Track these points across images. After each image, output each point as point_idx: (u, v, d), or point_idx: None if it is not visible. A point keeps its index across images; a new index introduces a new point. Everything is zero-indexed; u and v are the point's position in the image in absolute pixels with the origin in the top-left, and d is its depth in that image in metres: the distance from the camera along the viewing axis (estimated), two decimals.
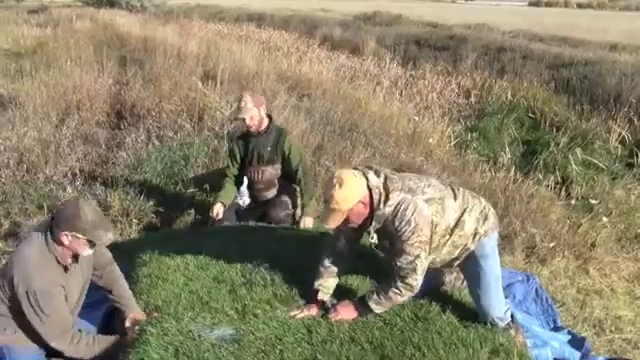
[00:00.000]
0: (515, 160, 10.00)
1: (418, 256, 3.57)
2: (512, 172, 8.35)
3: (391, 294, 3.71)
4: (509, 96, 13.95)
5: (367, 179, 3.62)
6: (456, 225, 3.77)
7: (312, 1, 51.11)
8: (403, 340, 3.65)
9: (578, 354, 4.50)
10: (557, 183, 8.48)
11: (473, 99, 14.23)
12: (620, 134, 11.02)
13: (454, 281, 4.49)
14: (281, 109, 9.59)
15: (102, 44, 17.26)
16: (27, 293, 3.36)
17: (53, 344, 3.51)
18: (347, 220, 3.65)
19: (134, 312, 3.91)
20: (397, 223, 3.56)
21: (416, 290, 3.71)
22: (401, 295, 3.70)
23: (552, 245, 6.37)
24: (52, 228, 3.52)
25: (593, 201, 7.66)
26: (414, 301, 4.10)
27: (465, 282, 4.22)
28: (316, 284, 4.02)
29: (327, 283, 4.03)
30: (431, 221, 3.61)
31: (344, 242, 4.02)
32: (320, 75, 14.24)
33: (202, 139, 8.34)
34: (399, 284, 3.66)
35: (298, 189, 5.87)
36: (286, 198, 5.89)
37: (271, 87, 11.69)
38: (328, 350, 3.53)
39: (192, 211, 6.68)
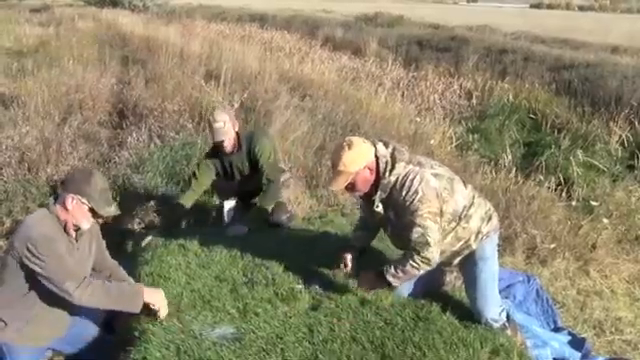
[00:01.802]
0: (516, 161, 9.98)
1: (429, 227, 3.60)
2: (513, 173, 8.35)
3: (409, 268, 3.73)
4: (510, 98, 13.97)
5: (376, 148, 3.73)
6: (464, 215, 3.82)
7: (314, 2, 51.11)
8: (404, 340, 3.65)
9: (578, 354, 4.52)
10: (558, 185, 8.47)
11: (475, 100, 14.24)
12: (621, 136, 11.02)
13: (454, 281, 4.52)
14: (283, 109, 9.61)
15: (104, 43, 17.32)
16: (28, 248, 3.33)
17: (64, 292, 3.38)
18: (353, 186, 3.77)
19: None
20: (404, 193, 3.64)
21: (434, 263, 3.73)
22: (419, 269, 3.73)
23: (553, 246, 6.37)
24: (57, 196, 3.56)
25: (594, 203, 7.65)
26: (415, 301, 4.13)
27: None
28: (350, 236, 4.45)
29: (358, 234, 4.35)
30: (440, 194, 3.67)
31: (367, 215, 4.20)
32: (322, 76, 14.27)
33: (204, 139, 8.34)
34: (416, 258, 3.68)
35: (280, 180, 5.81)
36: (282, 198, 5.90)
37: (273, 87, 11.70)
38: (329, 349, 3.54)
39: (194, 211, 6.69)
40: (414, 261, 3.69)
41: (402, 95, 13.83)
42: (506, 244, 6.32)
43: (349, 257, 4.19)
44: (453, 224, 3.81)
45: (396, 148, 3.77)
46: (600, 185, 8.69)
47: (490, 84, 15.08)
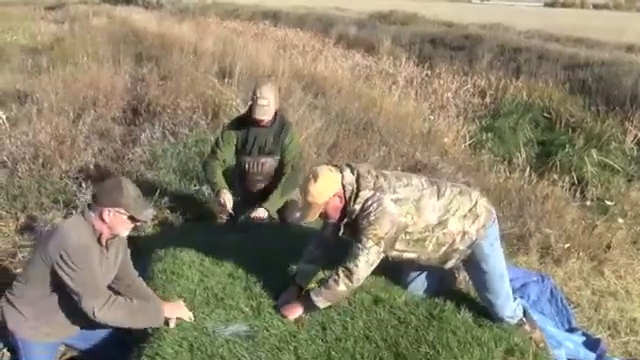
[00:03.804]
0: (530, 161, 9.99)
1: (368, 247, 3.61)
2: (527, 172, 8.34)
3: (330, 281, 3.71)
4: (524, 96, 13.94)
5: (342, 176, 3.72)
6: (439, 224, 3.80)
7: None
8: (418, 338, 3.65)
9: (593, 355, 4.49)
10: (572, 184, 8.46)
11: (488, 99, 14.20)
12: (636, 135, 10.98)
13: (467, 279, 4.51)
14: (296, 107, 9.61)
15: (118, 41, 17.36)
16: (61, 256, 3.33)
17: (86, 308, 3.40)
18: (325, 215, 3.77)
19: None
20: (361, 217, 3.66)
21: (354, 280, 3.67)
22: (337, 281, 3.68)
23: (567, 246, 6.33)
24: (91, 205, 3.54)
25: (609, 202, 7.63)
26: (429, 300, 4.11)
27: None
28: (296, 268, 4.18)
29: (306, 268, 4.14)
30: (397, 221, 3.65)
31: (330, 232, 4.08)
32: (335, 73, 14.26)
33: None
34: (339, 269, 3.69)
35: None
36: (294, 197, 5.87)
37: (286, 85, 11.70)
38: (342, 347, 3.54)
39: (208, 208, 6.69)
40: (336, 272, 3.69)
41: (416, 93, 13.81)
42: (520, 243, 6.31)
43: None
44: (428, 233, 3.80)
45: (360, 174, 3.75)
46: (615, 185, 8.67)
47: (504, 83, 15.06)
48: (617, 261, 6.30)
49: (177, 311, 3.74)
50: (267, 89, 5.31)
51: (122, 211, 3.46)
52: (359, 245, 3.63)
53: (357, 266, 3.63)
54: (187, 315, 3.76)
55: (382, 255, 3.70)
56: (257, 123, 5.39)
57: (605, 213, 7.26)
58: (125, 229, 3.57)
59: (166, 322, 3.70)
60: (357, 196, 3.67)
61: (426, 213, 3.76)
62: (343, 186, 3.70)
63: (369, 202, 3.64)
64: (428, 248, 3.84)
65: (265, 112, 5.28)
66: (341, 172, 3.74)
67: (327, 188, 3.65)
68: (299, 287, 4.10)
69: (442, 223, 3.80)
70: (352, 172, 3.77)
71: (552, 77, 15.38)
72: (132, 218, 3.52)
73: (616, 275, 6.13)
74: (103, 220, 3.47)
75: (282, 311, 3.87)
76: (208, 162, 5.63)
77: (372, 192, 3.67)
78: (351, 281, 3.67)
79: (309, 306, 3.83)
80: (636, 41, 21.16)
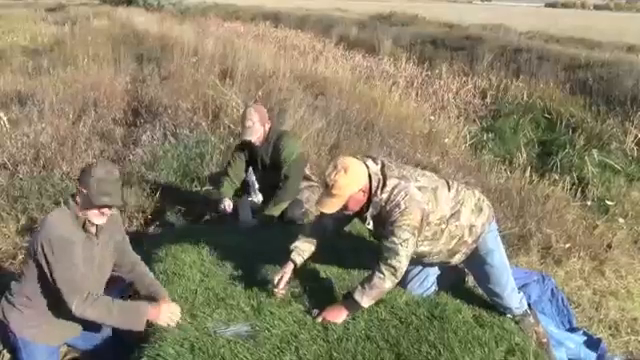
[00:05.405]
0: (531, 161, 9.99)
1: (405, 240, 3.57)
2: (528, 173, 8.33)
3: (375, 280, 3.65)
4: (525, 97, 13.95)
5: (367, 167, 3.70)
6: (452, 215, 3.83)
7: (328, 1, 51.00)
8: (419, 339, 3.65)
9: (594, 355, 4.49)
10: (573, 184, 8.46)
11: (489, 99, 14.23)
12: (637, 136, 10.97)
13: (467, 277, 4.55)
14: (297, 108, 9.60)
15: (119, 42, 17.31)
16: (43, 247, 3.32)
17: (68, 300, 3.36)
18: (345, 207, 3.73)
19: (166, 299, 3.82)
20: (389, 207, 3.62)
21: (399, 275, 3.66)
22: (384, 279, 3.63)
23: (568, 246, 6.34)
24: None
25: (609, 202, 7.64)
26: (430, 300, 4.12)
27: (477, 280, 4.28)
28: (292, 245, 4.13)
29: (303, 246, 4.13)
30: (423, 208, 3.64)
31: (330, 220, 4.10)
32: (336, 74, 14.23)
33: (218, 137, 8.35)
34: (382, 266, 3.63)
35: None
36: (300, 196, 5.89)
37: (287, 86, 11.69)
38: (344, 348, 3.54)
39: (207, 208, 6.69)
40: (380, 271, 3.64)
41: (416, 94, 13.84)
42: (521, 243, 6.30)
43: (284, 278, 4.06)
44: (443, 225, 3.82)
45: (385, 164, 3.75)
46: (615, 185, 8.68)
47: (505, 83, 15.06)
48: (618, 261, 6.31)
49: (163, 315, 3.63)
50: (250, 111, 5.69)
51: (84, 191, 3.41)
52: (395, 240, 3.58)
53: (400, 262, 3.60)
54: (175, 313, 3.68)
55: (415, 246, 3.69)
56: (249, 144, 5.73)
57: (606, 213, 7.27)
58: (95, 216, 3.49)
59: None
60: (385, 184, 3.65)
61: (441, 203, 3.79)
62: (370, 178, 3.68)
63: (396, 190, 3.62)
64: (441, 240, 3.86)
65: (250, 133, 5.64)
66: (365, 163, 3.72)
67: (356, 181, 3.62)
68: (294, 263, 4.11)
69: (454, 215, 3.83)
70: (375, 162, 3.77)
71: (553, 77, 15.37)
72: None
73: (617, 275, 6.14)
74: (76, 202, 3.47)
75: (326, 317, 3.79)
76: (222, 181, 6.01)
77: (397, 180, 3.66)
78: (396, 277, 3.66)
79: (353, 308, 3.80)
80: (637, 42, 21.14)
